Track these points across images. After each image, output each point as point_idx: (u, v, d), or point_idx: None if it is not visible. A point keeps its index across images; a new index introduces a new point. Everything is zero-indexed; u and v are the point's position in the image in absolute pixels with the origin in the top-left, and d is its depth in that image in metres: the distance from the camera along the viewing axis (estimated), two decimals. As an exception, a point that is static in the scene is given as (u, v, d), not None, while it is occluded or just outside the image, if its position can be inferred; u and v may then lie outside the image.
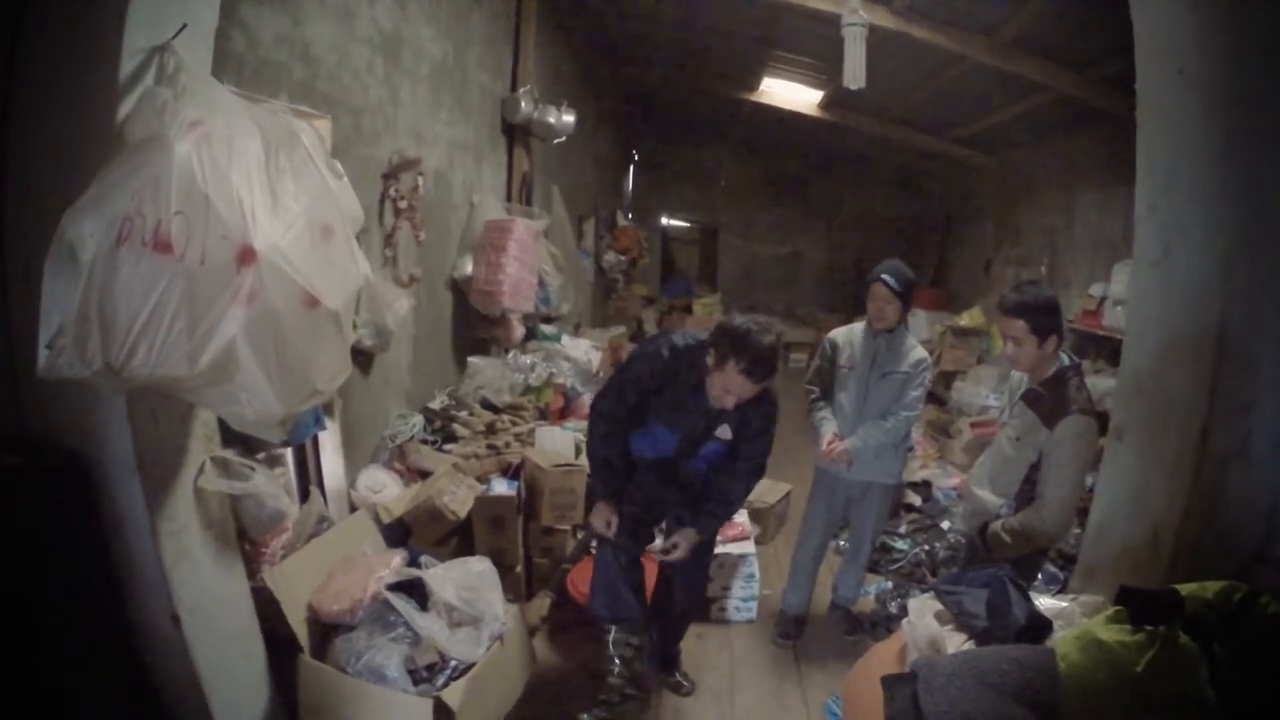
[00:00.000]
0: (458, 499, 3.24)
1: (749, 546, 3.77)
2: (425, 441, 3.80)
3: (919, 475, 5.17)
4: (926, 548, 4.24)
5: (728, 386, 2.39)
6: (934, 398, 6.82)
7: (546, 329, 5.67)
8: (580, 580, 3.43)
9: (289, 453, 2.87)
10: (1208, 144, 1.79)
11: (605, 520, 2.74)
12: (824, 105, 8.25)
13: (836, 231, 12.46)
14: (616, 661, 2.84)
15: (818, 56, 6.73)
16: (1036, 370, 2.54)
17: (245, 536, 2.26)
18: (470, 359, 4.49)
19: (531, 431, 4.05)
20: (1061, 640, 1.54)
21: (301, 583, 2.34)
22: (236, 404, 1.66)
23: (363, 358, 3.44)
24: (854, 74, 3.76)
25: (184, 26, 1.72)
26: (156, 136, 1.51)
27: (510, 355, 4.86)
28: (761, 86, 8.26)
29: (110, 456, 1.85)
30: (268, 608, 2.25)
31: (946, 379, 6.99)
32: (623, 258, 9.56)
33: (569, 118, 5.68)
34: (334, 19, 3.06)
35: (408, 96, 3.80)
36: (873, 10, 4.76)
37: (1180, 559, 1.85)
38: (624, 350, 6.26)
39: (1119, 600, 1.50)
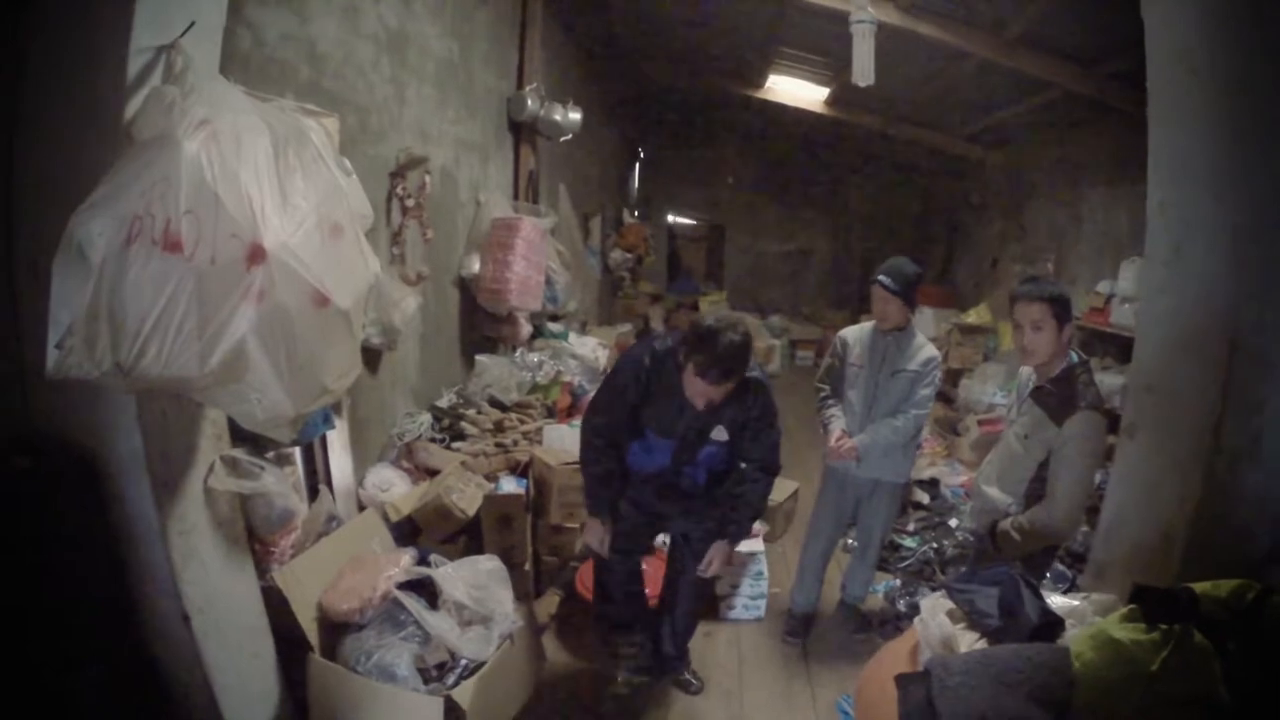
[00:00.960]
0: (466, 497, 3.23)
1: (757, 545, 3.76)
2: (433, 440, 3.80)
3: (927, 473, 5.16)
4: (935, 546, 4.23)
5: (694, 387, 2.35)
6: (941, 395, 6.80)
7: (554, 327, 5.67)
8: (588, 578, 3.42)
9: (298, 452, 2.87)
10: (1219, 141, 1.78)
11: (599, 539, 2.74)
12: (830, 102, 8.23)
13: (843, 229, 12.42)
14: (622, 664, 2.89)
15: (824, 53, 6.71)
16: (1046, 366, 2.51)
17: (255, 536, 2.26)
18: (478, 357, 4.49)
19: (539, 429, 4.04)
20: (1076, 639, 1.53)
21: (311, 582, 2.34)
22: (247, 403, 1.66)
23: (370, 356, 3.44)
24: (863, 71, 3.75)
25: (191, 25, 1.72)
26: (165, 135, 1.50)
27: (518, 353, 4.87)
28: (768, 84, 8.24)
29: (119, 457, 1.85)
30: (277, 607, 2.26)
31: (953, 376, 6.96)
32: (629, 255, 9.55)
33: (575, 115, 5.67)
34: (339, 17, 3.06)
35: (414, 95, 3.79)
36: (879, 7, 4.74)
37: (1192, 558, 1.84)
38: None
39: (1133, 599, 1.49)
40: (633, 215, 10.67)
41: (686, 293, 11.46)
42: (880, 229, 11.86)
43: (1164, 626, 1.42)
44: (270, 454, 2.37)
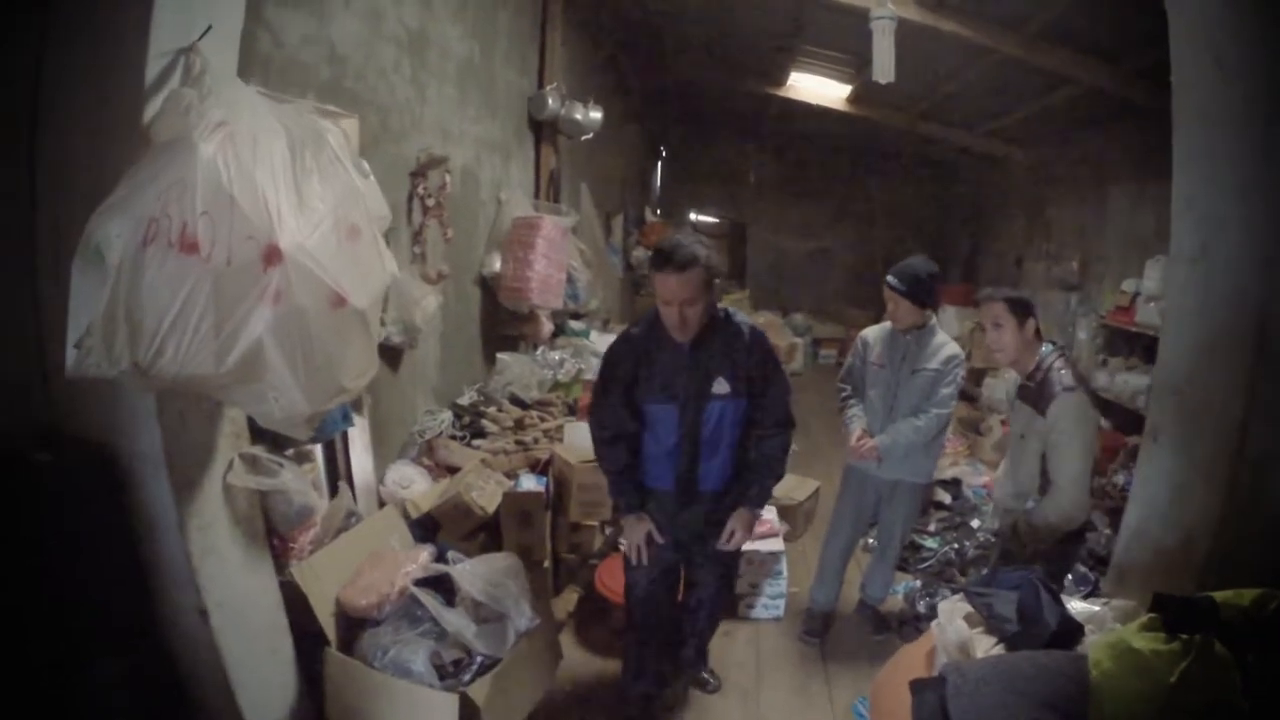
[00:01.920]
0: (486, 494, 3.24)
1: (778, 544, 3.76)
2: (454, 437, 3.82)
3: (949, 473, 5.11)
4: (956, 546, 4.19)
5: (665, 291, 2.33)
6: (964, 395, 6.74)
7: (575, 325, 5.68)
8: (608, 575, 3.44)
9: (319, 448, 2.90)
10: (1247, 136, 1.74)
11: (638, 539, 2.61)
12: (852, 100, 8.16)
13: (865, 227, 12.32)
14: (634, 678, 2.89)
15: (845, 50, 6.66)
16: (1021, 361, 2.62)
17: (274, 532, 2.28)
18: (499, 355, 4.52)
19: (560, 427, 4.05)
20: (1094, 646, 1.51)
21: (329, 578, 2.36)
22: (264, 402, 1.68)
23: (391, 354, 3.47)
24: (883, 68, 3.71)
25: (209, 28, 1.73)
26: (182, 138, 1.52)
27: (539, 351, 4.88)
28: (789, 81, 8.18)
29: (139, 453, 1.87)
30: (296, 602, 2.28)
31: (976, 376, 6.90)
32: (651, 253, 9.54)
33: (596, 114, 5.68)
34: (360, 19, 3.08)
35: (435, 95, 3.81)
36: (901, 3, 4.69)
37: (1215, 564, 1.81)
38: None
39: (1153, 607, 1.46)
40: (655, 214, 10.66)
41: (708, 291, 11.41)
42: (903, 227, 11.76)
43: (1184, 637, 1.39)
44: (290, 451, 2.40)
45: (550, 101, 5.32)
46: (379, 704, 2.17)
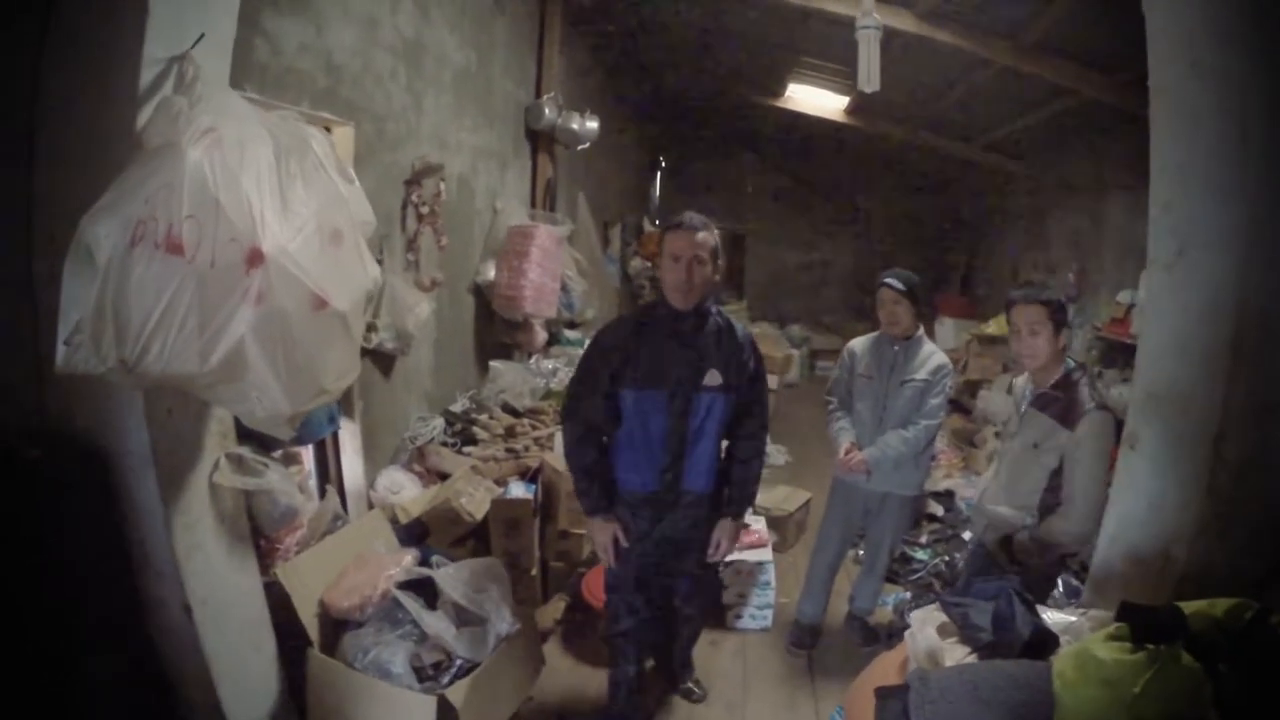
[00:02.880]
0: (475, 501, 3.26)
1: (766, 554, 3.76)
2: (445, 444, 3.84)
3: (942, 485, 5.10)
4: (946, 558, 4.18)
5: (672, 251, 2.39)
6: (959, 407, 6.75)
7: (570, 334, 5.71)
8: (595, 584, 3.44)
9: (309, 451, 2.93)
10: (1223, 138, 1.74)
11: (606, 540, 2.57)
12: (850, 111, 8.20)
13: (863, 239, 12.36)
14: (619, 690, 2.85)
15: (842, 62, 6.67)
16: (1045, 371, 2.52)
17: (260, 532, 2.31)
18: (492, 363, 4.54)
19: (551, 436, 4.07)
20: (1061, 657, 1.51)
21: (314, 578, 2.38)
22: (247, 401, 1.71)
23: (384, 360, 3.49)
24: (868, 77, 3.74)
25: (202, 36, 1.76)
26: (171, 143, 1.55)
27: (532, 360, 4.91)
28: (787, 92, 8.23)
29: (127, 451, 1.90)
30: (280, 603, 2.30)
31: (972, 388, 6.90)
32: (648, 264, 9.58)
33: (592, 124, 5.72)
34: (357, 27, 3.12)
35: (431, 103, 3.85)
36: (896, 15, 4.74)
37: (1192, 573, 1.81)
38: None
39: (1119, 617, 1.46)
40: (653, 224, 10.69)
41: (707, 301, 11.43)
42: (901, 238, 11.81)
43: (1150, 647, 1.39)
44: (277, 453, 2.42)
45: (547, 111, 5.36)
46: (359, 705, 2.19)
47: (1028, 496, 2.54)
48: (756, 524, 4.01)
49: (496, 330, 4.82)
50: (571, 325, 5.80)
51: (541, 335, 4.95)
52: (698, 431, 2.50)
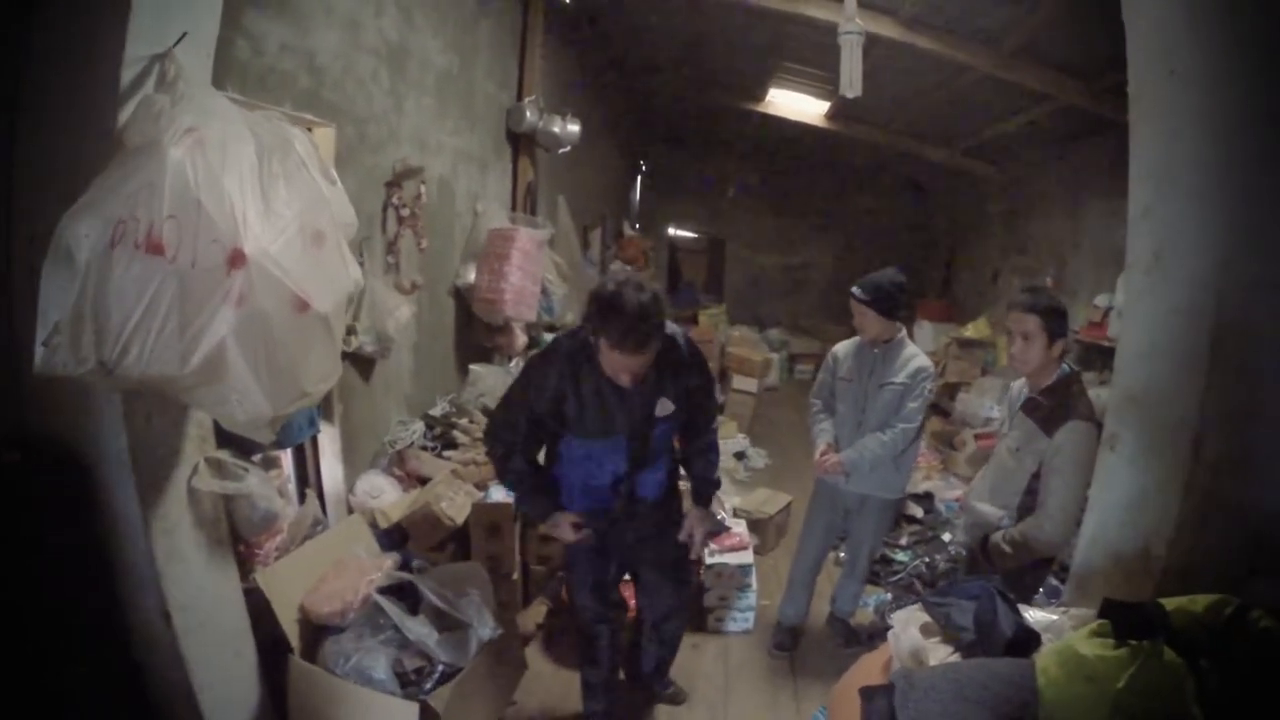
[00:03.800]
0: (455, 505, 3.24)
1: (747, 557, 3.77)
2: (425, 448, 3.81)
3: (922, 487, 5.14)
4: (927, 560, 4.22)
5: (613, 363, 2.13)
6: (938, 409, 6.81)
7: (549, 337, 5.67)
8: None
9: (288, 456, 2.89)
10: (1201, 144, 1.76)
11: (568, 530, 2.48)
12: (830, 116, 8.28)
13: (843, 243, 12.45)
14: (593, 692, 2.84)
15: (823, 67, 6.74)
16: (1038, 377, 2.53)
17: (239, 537, 2.27)
18: (472, 366, 4.52)
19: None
20: (1044, 654, 1.52)
21: (294, 584, 2.36)
22: (227, 404, 1.68)
23: (364, 364, 3.46)
24: (850, 82, 3.76)
25: (184, 35, 1.74)
26: (153, 142, 1.53)
27: (512, 363, 4.88)
28: (768, 97, 8.29)
29: (106, 455, 1.87)
30: (261, 608, 2.27)
31: (951, 391, 6.97)
32: (629, 268, 9.59)
33: (574, 128, 5.70)
34: (340, 29, 3.09)
35: (413, 106, 3.83)
36: (878, 21, 4.78)
37: (1172, 571, 1.83)
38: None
39: (1102, 614, 1.48)
40: (633, 227, 10.70)
41: (686, 305, 11.47)
42: (880, 243, 11.90)
43: (1132, 643, 1.41)
44: (257, 457, 2.39)
45: (528, 114, 5.35)
46: (341, 711, 2.16)
47: (1010, 497, 2.56)
48: (738, 527, 4.02)
49: (476, 333, 4.79)
50: (551, 329, 5.77)
51: (521, 339, 4.93)
52: (653, 452, 2.49)
